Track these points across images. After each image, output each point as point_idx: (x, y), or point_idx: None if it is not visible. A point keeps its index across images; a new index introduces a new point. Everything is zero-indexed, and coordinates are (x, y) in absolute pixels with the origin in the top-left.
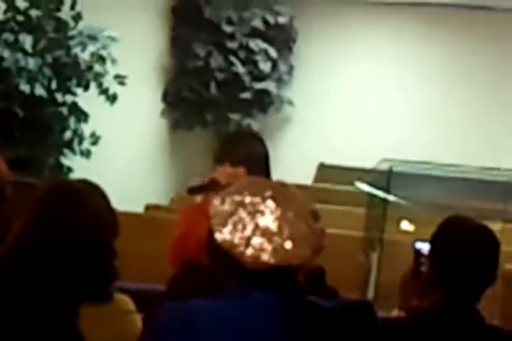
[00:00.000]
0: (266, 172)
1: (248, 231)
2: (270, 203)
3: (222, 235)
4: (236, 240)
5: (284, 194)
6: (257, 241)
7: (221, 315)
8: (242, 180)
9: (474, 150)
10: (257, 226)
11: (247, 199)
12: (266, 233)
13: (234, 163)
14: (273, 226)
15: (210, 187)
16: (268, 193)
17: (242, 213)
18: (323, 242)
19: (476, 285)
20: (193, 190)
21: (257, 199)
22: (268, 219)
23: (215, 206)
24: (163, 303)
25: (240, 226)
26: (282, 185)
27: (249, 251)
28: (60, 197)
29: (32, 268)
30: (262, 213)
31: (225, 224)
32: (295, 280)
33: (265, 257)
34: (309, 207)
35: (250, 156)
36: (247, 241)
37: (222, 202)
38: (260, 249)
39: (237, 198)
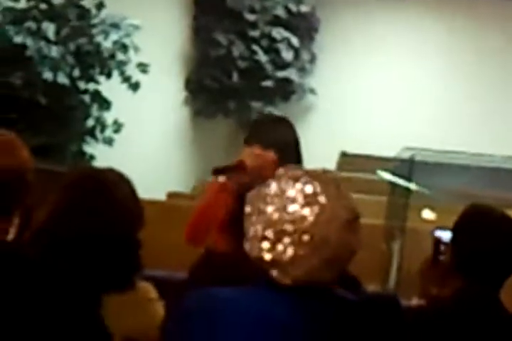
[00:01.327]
0: (297, 158)
1: (275, 251)
2: (306, 224)
3: (251, 248)
4: (263, 257)
5: (324, 211)
6: (283, 260)
7: (246, 305)
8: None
9: (497, 139)
10: (284, 248)
11: (284, 216)
12: (294, 255)
13: (264, 147)
14: (296, 249)
15: (236, 169)
16: (304, 211)
17: (272, 230)
18: (348, 265)
19: (498, 274)
20: (217, 171)
21: (294, 217)
22: (298, 241)
23: (255, 212)
24: (188, 291)
25: (266, 244)
26: (324, 193)
27: (275, 273)
28: (88, 187)
29: (56, 256)
30: (296, 232)
31: (254, 237)
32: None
33: (287, 280)
34: (349, 223)
35: (281, 141)
36: (273, 261)
37: (259, 212)
38: (284, 271)
39: (272, 215)
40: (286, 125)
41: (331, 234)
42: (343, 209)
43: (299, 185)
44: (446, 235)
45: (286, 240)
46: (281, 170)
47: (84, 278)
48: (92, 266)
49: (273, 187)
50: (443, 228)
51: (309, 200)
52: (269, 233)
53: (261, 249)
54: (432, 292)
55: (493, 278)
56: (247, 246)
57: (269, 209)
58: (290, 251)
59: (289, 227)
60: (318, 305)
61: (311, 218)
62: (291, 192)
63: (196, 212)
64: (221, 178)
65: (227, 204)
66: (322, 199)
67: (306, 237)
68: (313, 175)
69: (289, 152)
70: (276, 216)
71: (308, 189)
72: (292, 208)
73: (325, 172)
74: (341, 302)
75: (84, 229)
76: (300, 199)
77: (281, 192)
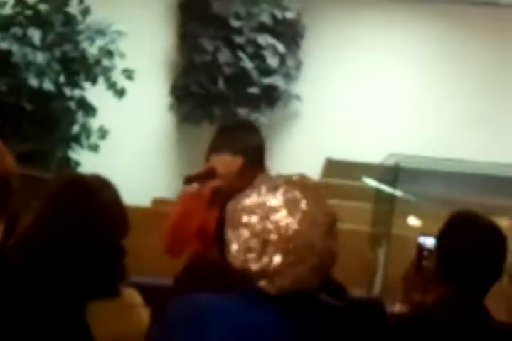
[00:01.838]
0: (262, 162)
1: (261, 262)
2: (290, 233)
3: (236, 259)
4: (250, 268)
5: (306, 218)
6: (269, 270)
7: (233, 313)
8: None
9: (483, 145)
10: (270, 257)
11: (268, 225)
12: (280, 264)
13: (233, 153)
14: (282, 258)
15: (207, 176)
16: (288, 220)
17: (256, 240)
18: (331, 270)
19: (483, 281)
20: (189, 179)
21: (275, 225)
22: (281, 249)
23: (236, 223)
24: (174, 297)
25: (252, 255)
26: (303, 201)
27: (261, 283)
28: (73, 194)
29: (40, 262)
30: (279, 241)
31: (239, 249)
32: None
33: (274, 290)
34: (330, 229)
35: (250, 147)
36: (260, 272)
37: (238, 223)
38: (271, 280)
39: (255, 225)
40: (253, 130)
41: (315, 241)
42: (324, 214)
43: (279, 194)
44: (429, 241)
45: (272, 249)
46: (259, 179)
47: (68, 285)
48: (77, 272)
49: (253, 197)
50: (426, 234)
51: (291, 208)
52: (254, 243)
53: (247, 260)
54: (415, 298)
55: (477, 285)
56: (231, 257)
57: (252, 219)
58: (276, 261)
59: (273, 236)
60: (305, 312)
61: (294, 226)
62: (273, 201)
63: (171, 222)
64: (193, 186)
65: (216, 212)
66: (303, 206)
67: (291, 245)
68: (292, 183)
69: (257, 157)
70: (259, 226)
71: (289, 197)
72: (275, 217)
73: (302, 178)
74: (328, 308)
75: (69, 236)
76: (282, 207)
77: (262, 202)
